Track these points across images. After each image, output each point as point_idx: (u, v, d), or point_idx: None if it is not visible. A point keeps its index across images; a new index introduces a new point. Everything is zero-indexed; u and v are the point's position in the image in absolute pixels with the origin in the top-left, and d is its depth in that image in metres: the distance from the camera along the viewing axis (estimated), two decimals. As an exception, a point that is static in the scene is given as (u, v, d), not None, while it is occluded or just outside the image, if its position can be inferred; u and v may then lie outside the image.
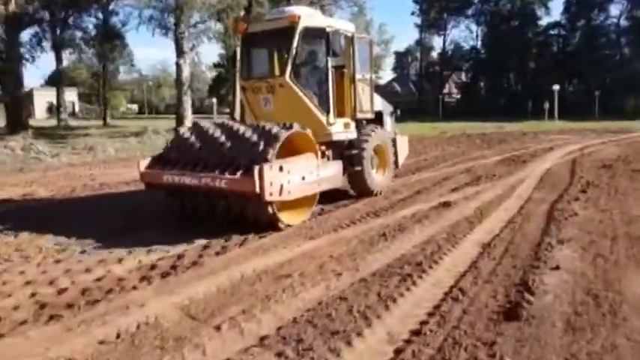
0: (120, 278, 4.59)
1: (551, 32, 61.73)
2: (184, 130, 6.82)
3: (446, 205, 7.53)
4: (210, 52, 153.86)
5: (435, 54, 70.47)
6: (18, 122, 27.70)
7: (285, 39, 7.14)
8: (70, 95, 61.37)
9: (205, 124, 6.75)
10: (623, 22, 55.85)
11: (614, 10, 57.38)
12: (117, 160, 16.51)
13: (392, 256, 5.10)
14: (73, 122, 39.90)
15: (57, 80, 36.31)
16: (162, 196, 6.92)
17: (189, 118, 23.49)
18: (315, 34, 7.45)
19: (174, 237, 5.92)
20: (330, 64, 7.42)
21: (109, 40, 31.52)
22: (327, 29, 7.42)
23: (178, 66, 22.87)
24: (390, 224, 6.46)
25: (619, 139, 21.15)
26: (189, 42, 23.05)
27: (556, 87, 41.03)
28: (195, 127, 6.79)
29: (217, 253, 5.26)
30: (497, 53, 59.73)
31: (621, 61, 54.84)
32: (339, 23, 8.13)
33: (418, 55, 69.91)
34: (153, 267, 4.88)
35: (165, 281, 4.49)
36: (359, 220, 6.75)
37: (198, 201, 6.38)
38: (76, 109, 62.22)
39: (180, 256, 5.18)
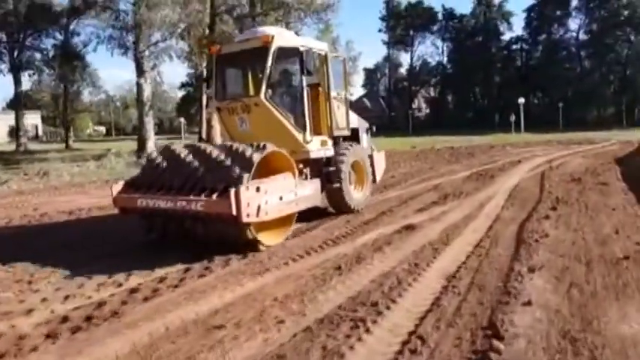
0: (21, 336, 3.83)
1: (514, 47, 63.17)
2: (157, 154, 6.68)
3: (410, 228, 6.96)
4: (178, 72, 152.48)
5: (403, 70, 71.20)
6: (-29, 147, 26.32)
7: (259, 59, 7.19)
8: (34, 118, 59.59)
9: (178, 147, 6.62)
10: (582, 36, 57.43)
11: (573, 24, 58.99)
12: (71, 185, 15.51)
13: (346, 295, 4.47)
14: (34, 146, 38.44)
15: (15, 103, 34.80)
16: (103, 225, 6.16)
17: (151, 140, 22.59)
18: (288, 53, 7.48)
19: (108, 271, 5.18)
20: (304, 83, 7.46)
21: (69, 61, 30.39)
22: (301, 48, 7.40)
23: (139, 86, 22.01)
24: (348, 254, 5.84)
25: (584, 149, 21.20)
26: (149, 61, 22.26)
27: (521, 100, 41.58)
28: (169, 151, 6.65)
29: (145, 299, 4.53)
30: (463, 68, 60.66)
31: (582, 74, 56.21)
32: (313, 42, 8.11)
33: (387, 71, 70.42)
34: (64, 319, 4.12)
35: (73, 339, 3.75)
36: (314, 249, 6.11)
37: (172, 224, 6.22)
38: (40, 132, 60.30)
39: (100, 304, 4.43)
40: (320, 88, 8.05)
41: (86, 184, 15.69)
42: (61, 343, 3.68)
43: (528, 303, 4.10)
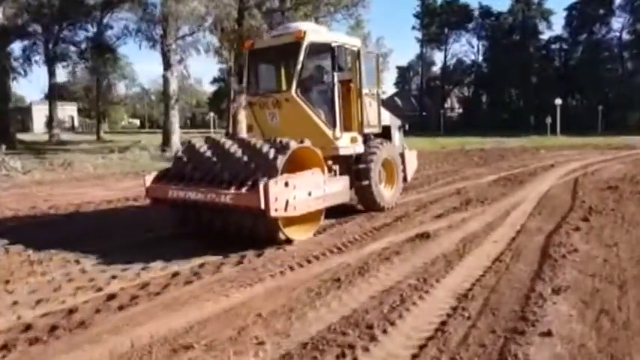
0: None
1: (553, 46, 60.96)
2: (191, 145, 6.74)
3: (424, 236, 6.39)
4: (209, 67, 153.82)
5: (436, 68, 69.74)
6: (4, 137, 26.87)
7: (291, 54, 7.21)
8: (70, 110, 60.98)
9: (214, 138, 6.77)
10: (626, 37, 54.95)
11: (616, 23, 56.32)
12: (92, 177, 15.47)
13: (339, 313, 3.97)
14: (68, 137, 39.19)
15: (50, 95, 35.46)
16: (105, 219, 5.83)
17: (176, 133, 22.51)
18: (320, 49, 7.45)
19: (90, 272, 4.83)
20: (336, 79, 7.38)
21: (101, 54, 30.71)
22: (333, 44, 7.42)
23: (165, 79, 21.91)
24: (352, 263, 5.33)
25: (623, 155, 19.97)
26: (176, 55, 22.14)
27: (558, 101, 39.95)
28: (203, 142, 6.76)
29: (121, 307, 4.14)
30: (499, 68, 58.90)
31: (624, 76, 53.80)
32: (345, 38, 8.06)
33: (419, 69, 69.11)
34: (27, 328, 3.75)
35: (26, 353, 3.37)
36: (316, 257, 5.63)
37: (202, 216, 6.32)
38: (76, 123, 61.63)
39: (71, 311, 4.06)
40: (352, 85, 7.94)
41: (106, 176, 15.64)
42: (12, 357, 3.31)
43: (548, 333, 3.53)
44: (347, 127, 7.77)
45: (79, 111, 62.91)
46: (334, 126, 7.42)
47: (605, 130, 42.53)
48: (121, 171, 17.13)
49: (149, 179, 6.55)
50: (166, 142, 22.00)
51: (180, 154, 6.73)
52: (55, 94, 35.05)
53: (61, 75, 55.65)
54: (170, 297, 4.38)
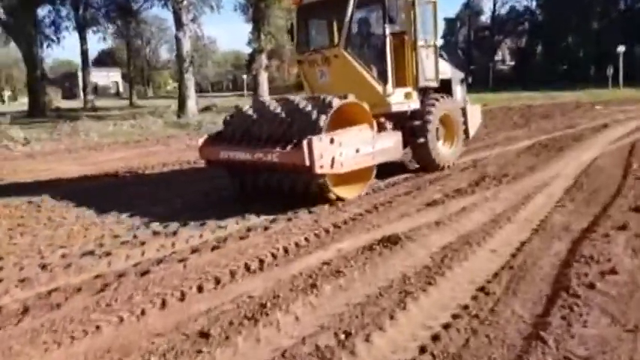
0: None
1: (619, -13, 54.31)
2: (241, 106, 6.72)
3: (391, 241, 4.47)
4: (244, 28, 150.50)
5: (485, 17, 64.44)
6: (36, 105, 26.49)
7: (339, 8, 6.93)
8: (114, 76, 61.21)
9: (263, 98, 6.78)
10: None
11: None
12: (89, 148, 14.24)
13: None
14: (104, 102, 38.88)
15: (83, 60, 34.87)
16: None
17: (192, 98, 20.99)
18: (370, 1, 7.25)
19: None
20: (387, 32, 7.05)
21: (123, 17, 29.40)
22: None
23: (178, 40, 20.25)
24: (257, 296, 3.51)
25: (697, 110, 16.73)
26: (189, 13, 20.37)
27: (621, 49, 35.31)
28: (253, 103, 6.82)
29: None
30: (556, 14, 53.45)
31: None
32: None
33: (467, 19, 64.06)
34: None
35: None
36: (217, 282, 3.83)
37: (256, 177, 6.30)
38: (120, 89, 61.89)
39: None
40: (405, 37, 7.50)
41: (105, 146, 14.39)
42: None
43: None
44: (400, 83, 7.42)
45: (124, 76, 63.02)
46: (386, 82, 7.12)
47: (677, 81, 37.50)
48: (127, 140, 15.89)
49: (201, 141, 6.61)
50: (182, 107, 20.56)
51: (228, 117, 6.69)
52: (87, 59, 34.32)
53: (104, 41, 55.27)
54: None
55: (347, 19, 6.81)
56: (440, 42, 8.30)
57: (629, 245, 4.19)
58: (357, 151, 6.03)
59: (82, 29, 32.94)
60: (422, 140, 7.51)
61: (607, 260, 3.85)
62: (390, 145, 6.67)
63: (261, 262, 4.13)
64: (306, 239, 4.70)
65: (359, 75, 6.98)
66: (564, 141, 10.38)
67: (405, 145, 7.23)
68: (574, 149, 9.32)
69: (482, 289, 3.45)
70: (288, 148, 5.62)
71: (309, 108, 5.91)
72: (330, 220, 5.33)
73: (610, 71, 35.73)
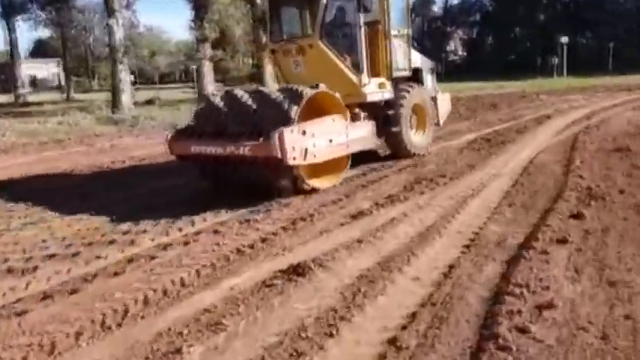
0: None
1: (562, -20, 55.63)
2: (211, 98, 6.49)
3: (297, 272, 3.69)
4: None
5: (437, 8, 64.81)
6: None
7: None
8: (54, 67, 57.75)
9: (234, 90, 6.43)
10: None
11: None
12: (3, 148, 12.81)
13: None
14: (38, 97, 36.41)
15: (12, 51, 32.32)
16: None
17: (127, 93, 19.56)
18: None
19: None
20: (361, 21, 7.06)
21: (55, 3, 27.29)
22: None
23: (109, 28, 18.77)
24: None
25: (635, 98, 16.89)
26: (121, -1, 18.90)
27: (564, 39, 36.09)
28: (223, 94, 6.50)
29: None
30: (505, 5, 54.49)
31: (637, 9, 48.90)
32: None
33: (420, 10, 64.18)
34: None
35: None
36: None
37: (227, 170, 6.13)
38: (62, 81, 58.48)
39: None
40: (379, 26, 7.54)
41: (20, 147, 12.97)
42: None
43: None
44: (375, 73, 7.45)
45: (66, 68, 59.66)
46: (361, 72, 7.12)
47: (616, 70, 38.59)
48: (49, 139, 14.41)
49: (169, 136, 6.50)
50: (116, 102, 19.11)
51: (199, 109, 6.61)
52: (17, 49, 31.84)
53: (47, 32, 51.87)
54: None
55: (322, 9, 6.77)
56: (411, 31, 8.33)
57: (569, 264, 3.61)
58: (331, 141, 6.03)
59: (8, 16, 30.43)
60: (396, 129, 7.59)
61: (544, 288, 3.23)
62: (363, 134, 6.68)
63: (126, 311, 3.25)
64: (196, 272, 3.85)
65: (334, 65, 6.96)
66: (507, 134, 10.02)
67: (378, 135, 7.26)
68: (517, 143, 8.95)
69: (393, 341, 2.73)
70: (260, 140, 5.53)
71: (280, 99, 5.80)
72: (235, 243, 4.50)
73: (555, 61, 36.45)
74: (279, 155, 5.36)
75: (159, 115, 18.90)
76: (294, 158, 5.48)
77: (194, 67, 43.22)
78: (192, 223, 5.15)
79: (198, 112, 6.56)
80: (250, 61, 52.04)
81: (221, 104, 6.23)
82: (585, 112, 13.35)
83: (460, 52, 67.21)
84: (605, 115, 12.49)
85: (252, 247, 4.38)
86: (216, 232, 4.86)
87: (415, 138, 8.15)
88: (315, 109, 5.99)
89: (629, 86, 22.81)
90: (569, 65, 36.52)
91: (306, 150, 5.63)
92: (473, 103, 18.38)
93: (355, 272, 3.69)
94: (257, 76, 27.72)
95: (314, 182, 6.14)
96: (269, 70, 24.95)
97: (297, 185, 5.96)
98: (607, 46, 41.77)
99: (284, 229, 4.83)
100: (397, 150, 7.97)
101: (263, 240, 4.54)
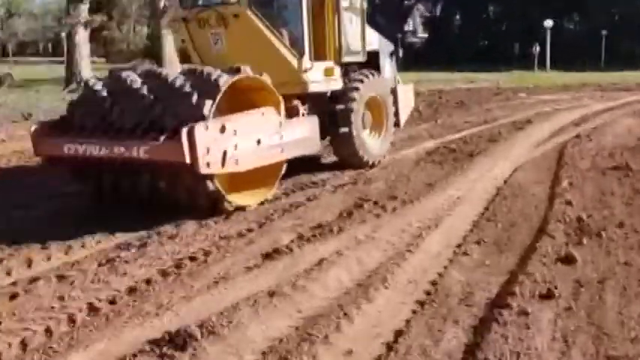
0: None
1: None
2: (93, 83, 6.50)
3: (173, 346, 3.29)
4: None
5: (394, -23, 66.56)
6: None
7: None
8: None
9: (123, 72, 6.38)
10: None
11: None
12: None
13: None
14: None
15: None
16: None
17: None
18: None
19: None
20: None
21: None
22: None
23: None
24: None
25: (633, 101, 17.89)
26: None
27: (548, 23, 37.98)
28: (110, 78, 6.49)
29: None
30: (476, -23, 56.77)
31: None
32: None
33: (371, -22, 65.82)
34: None
35: None
36: None
37: (109, 179, 6.22)
38: None
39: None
40: None
41: None
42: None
43: None
44: (319, 55, 7.60)
45: None
46: (302, 53, 7.25)
47: (610, 64, 41.11)
48: None
49: (33, 129, 6.34)
50: None
51: (77, 97, 6.67)
52: None
53: None
54: None
55: None
56: (366, 3, 8.50)
57: (556, 330, 3.50)
58: (259, 142, 6.04)
59: None
60: (345, 130, 7.71)
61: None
62: (304, 134, 6.78)
63: None
64: (22, 344, 3.46)
65: (266, 42, 7.02)
66: (477, 143, 10.36)
67: (322, 136, 7.31)
68: (488, 155, 9.22)
69: None
70: (161, 139, 5.45)
71: (187, 87, 5.79)
72: (88, 296, 4.11)
73: (536, 50, 38.18)
74: (188, 160, 5.27)
75: (8, 99, 18.67)
76: (207, 164, 5.41)
77: (64, 35, 41.73)
78: (29, 263, 4.79)
79: (75, 102, 6.49)
80: (145, 30, 51.03)
81: (105, 91, 6.18)
82: (574, 116, 13.94)
83: (420, 34, 69.21)
84: (598, 120, 13.08)
85: (112, 302, 4.07)
86: (61, 278, 4.50)
87: (370, 141, 8.29)
88: (238, 101, 6.03)
89: (627, 85, 24.22)
90: (553, 55, 38.38)
91: (225, 153, 5.57)
92: (436, 100, 19.03)
93: (262, 344, 3.42)
94: (154, 51, 27.07)
95: (236, 198, 6.13)
96: (169, 42, 24.46)
97: (214, 202, 5.91)
98: (600, 33, 44.25)
99: (163, 274, 4.56)
100: (345, 156, 8.10)
101: (130, 291, 4.26)
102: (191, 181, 5.67)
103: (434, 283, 4.24)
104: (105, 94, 6.16)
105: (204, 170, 5.41)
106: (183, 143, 5.24)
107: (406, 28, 64.93)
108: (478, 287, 4.15)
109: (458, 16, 64.51)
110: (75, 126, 6.23)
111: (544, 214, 5.90)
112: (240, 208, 6.21)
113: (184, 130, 5.27)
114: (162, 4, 23.64)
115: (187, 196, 5.89)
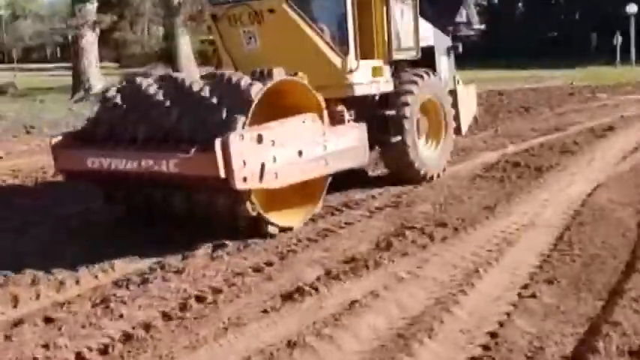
0: None
1: None
2: (115, 93, 6.82)
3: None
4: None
5: (444, -39, 67.38)
6: None
7: None
8: None
9: (145, 81, 6.75)
10: None
11: None
12: None
13: None
14: None
15: None
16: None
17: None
18: None
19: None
20: None
21: None
22: None
23: None
24: None
25: None
26: None
27: (632, 8, 37.57)
28: (131, 87, 6.81)
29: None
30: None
31: None
32: None
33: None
34: None
35: None
36: None
37: (148, 193, 6.54)
38: None
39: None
40: None
41: None
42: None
43: None
44: (366, 53, 7.80)
45: None
46: (346, 51, 7.45)
47: None
48: None
49: (55, 142, 6.67)
50: None
51: (102, 106, 6.93)
52: None
53: None
54: None
55: None
56: None
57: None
58: (300, 154, 6.19)
59: None
60: (397, 138, 7.87)
61: None
62: (350, 144, 6.89)
63: None
64: None
65: (305, 40, 7.22)
66: (547, 155, 10.29)
67: (370, 145, 7.40)
68: (562, 170, 9.15)
69: None
70: (192, 152, 5.68)
71: (214, 99, 6.05)
72: (77, 344, 4.11)
73: (618, 41, 37.74)
74: (223, 174, 5.43)
75: (9, 110, 19.39)
76: (244, 179, 5.56)
77: (70, 38, 43.01)
78: (15, 303, 4.92)
79: (99, 111, 6.84)
80: (161, 30, 52.33)
81: (132, 100, 6.47)
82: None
83: (476, 25, 69.23)
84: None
85: (104, 352, 4.08)
86: (49, 321, 4.57)
87: (426, 152, 8.54)
88: (275, 107, 6.19)
89: None
90: (639, 47, 37.88)
91: (262, 166, 5.71)
92: (496, 102, 19.21)
93: None
94: (169, 53, 27.75)
95: (273, 217, 6.29)
96: (185, 42, 24.87)
97: (249, 219, 6.07)
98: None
99: (165, 317, 4.59)
100: (398, 169, 8.32)
101: (126, 339, 4.23)
102: (226, 198, 5.88)
103: (493, 335, 4.08)
104: (125, 105, 6.47)
105: (240, 185, 5.56)
106: (217, 155, 5.41)
107: (458, 19, 65.06)
108: (550, 340, 3.98)
109: (520, 4, 64.87)
110: (97, 138, 6.55)
111: (632, 244, 5.81)
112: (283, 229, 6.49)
113: (218, 141, 5.43)
114: (176, 0, 24.17)
115: (223, 215, 6.14)
